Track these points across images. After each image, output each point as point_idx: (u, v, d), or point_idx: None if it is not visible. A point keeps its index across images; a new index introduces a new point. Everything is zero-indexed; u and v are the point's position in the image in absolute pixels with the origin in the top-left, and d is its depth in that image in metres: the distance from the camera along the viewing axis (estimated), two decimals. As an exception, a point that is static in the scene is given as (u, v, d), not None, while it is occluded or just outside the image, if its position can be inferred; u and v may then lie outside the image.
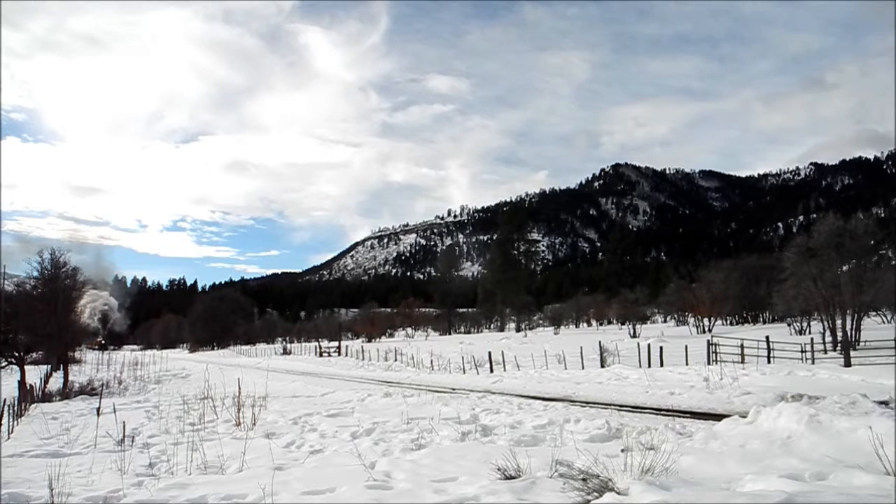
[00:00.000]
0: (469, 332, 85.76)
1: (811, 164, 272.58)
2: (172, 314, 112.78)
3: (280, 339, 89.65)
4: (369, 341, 67.62)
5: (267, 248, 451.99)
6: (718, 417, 9.39)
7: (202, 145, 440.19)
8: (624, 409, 12.43)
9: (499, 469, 5.72)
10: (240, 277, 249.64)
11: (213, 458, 7.84)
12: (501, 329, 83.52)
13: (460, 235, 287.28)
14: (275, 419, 12.14)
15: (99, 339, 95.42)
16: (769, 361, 19.96)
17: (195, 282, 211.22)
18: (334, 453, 8.26)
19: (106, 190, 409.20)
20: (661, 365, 20.15)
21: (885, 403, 9.43)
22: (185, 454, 8.00)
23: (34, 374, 27.54)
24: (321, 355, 46.69)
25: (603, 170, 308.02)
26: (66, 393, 23.19)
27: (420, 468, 6.43)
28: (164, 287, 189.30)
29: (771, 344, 20.78)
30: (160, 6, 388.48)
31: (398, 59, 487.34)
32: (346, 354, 44.66)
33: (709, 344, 21.47)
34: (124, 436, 9.88)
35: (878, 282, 27.12)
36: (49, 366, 33.46)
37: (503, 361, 25.81)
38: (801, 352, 20.54)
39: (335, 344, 52.81)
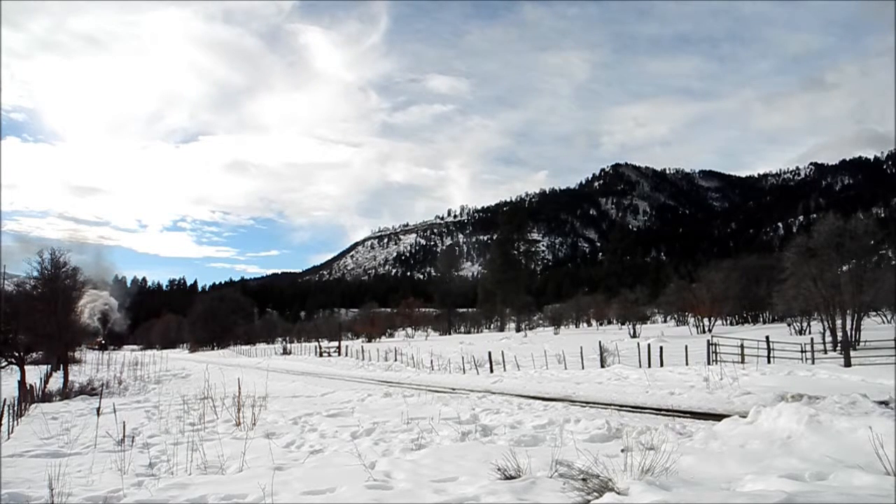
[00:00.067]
0: (469, 332, 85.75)
1: (811, 164, 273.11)
2: (172, 314, 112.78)
3: (280, 339, 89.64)
4: (369, 341, 67.62)
5: (267, 248, 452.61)
6: (718, 417, 9.39)
7: (202, 145, 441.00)
8: (624, 409, 12.42)
9: (499, 469, 5.72)
10: (240, 277, 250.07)
11: (213, 458, 7.84)
12: (501, 329, 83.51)
13: (460, 235, 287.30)
14: (275, 419, 12.13)
15: (99, 339, 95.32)
16: (769, 361, 19.96)
17: (195, 282, 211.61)
18: (334, 453, 8.26)
19: (106, 190, 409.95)
20: (661, 365, 20.15)
21: (885, 403, 9.43)
22: (185, 454, 8.00)
23: (34, 374, 27.53)
24: (321, 355, 46.68)
25: (603, 170, 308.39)
26: (66, 393, 23.19)
27: (420, 468, 6.43)
28: (164, 287, 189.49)
29: (771, 344, 20.78)
30: (160, 6, 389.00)
31: (398, 59, 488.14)
32: (346, 354, 44.66)
33: (709, 344, 21.47)
34: (124, 436, 9.88)
35: (878, 282, 27.12)
36: (49, 366, 33.45)
37: (503, 361, 25.81)
38: (801, 352, 20.54)
39: (335, 344, 52.80)
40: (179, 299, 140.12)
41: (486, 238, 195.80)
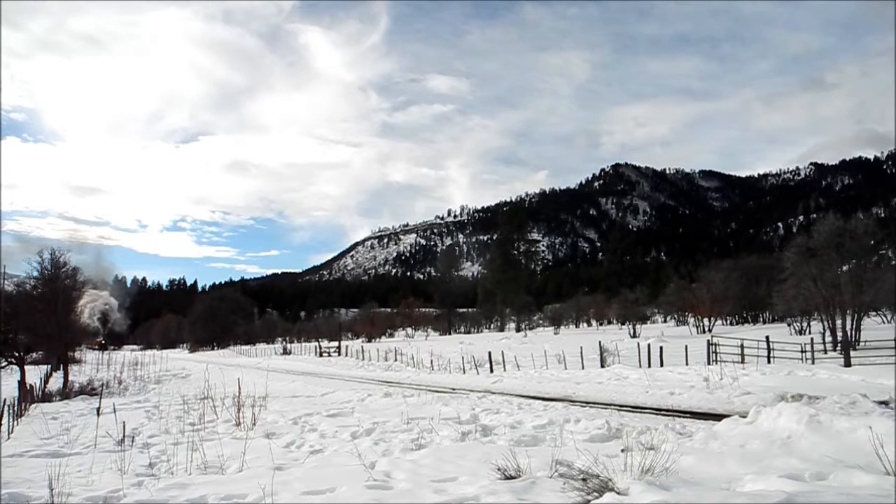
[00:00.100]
0: (469, 332, 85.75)
1: (811, 164, 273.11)
2: (172, 314, 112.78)
3: (280, 339, 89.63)
4: (369, 341, 67.62)
5: (267, 248, 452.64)
6: (718, 417, 9.39)
7: (202, 145, 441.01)
8: (624, 409, 12.42)
9: (499, 469, 5.72)
10: (240, 277, 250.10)
11: (213, 458, 7.84)
12: (501, 329, 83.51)
13: (460, 235, 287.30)
14: (275, 419, 12.13)
15: (99, 339, 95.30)
16: (769, 361, 19.96)
17: (195, 282, 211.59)
18: (334, 453, 8.26)
19: (106, 190, 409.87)
20: (661, 365, 20.15)
21: (885, 403, 9.43)
22: (185, 454, 8.00)
23: (34, 374, 27.53)
24: (321, 355, 46.68)
25: (603, 170, 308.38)
26: (66, 393, 23.19)
27: (420, 468, 6.43)
28: (164, 287, 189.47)
29: (771, 344, 20.78)
30: (160, 6, 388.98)
31: (398, 59, 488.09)
32: (346, 354, 44.66)
33: (709, 344, 21.47)
34: (124, 436, 9.88)
35: (878, 282, 27.12)
36: (49, 366, 33.45)
37: (503, 361, 25.81)
38: (801, 352, 20.54)
39: (335, 344, 52.80)
40: (179, 299, 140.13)
41: (486, 238, 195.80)
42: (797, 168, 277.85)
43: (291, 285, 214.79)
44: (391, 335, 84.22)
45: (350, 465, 6.89)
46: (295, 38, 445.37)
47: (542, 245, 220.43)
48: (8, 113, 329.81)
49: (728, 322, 50.24)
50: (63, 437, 11.20)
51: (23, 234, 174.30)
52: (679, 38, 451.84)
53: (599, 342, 24.97)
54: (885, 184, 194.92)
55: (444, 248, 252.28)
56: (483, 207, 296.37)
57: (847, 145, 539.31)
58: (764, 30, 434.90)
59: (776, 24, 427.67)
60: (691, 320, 49.58)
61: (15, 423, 13.56)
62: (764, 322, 48.16)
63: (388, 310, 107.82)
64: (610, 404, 13.09)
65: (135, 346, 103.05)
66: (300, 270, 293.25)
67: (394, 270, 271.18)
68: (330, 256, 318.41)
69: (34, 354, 31.93)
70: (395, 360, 34.10)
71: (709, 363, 19.69)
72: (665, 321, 64.54)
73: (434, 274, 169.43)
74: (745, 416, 7.81)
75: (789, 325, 35.23)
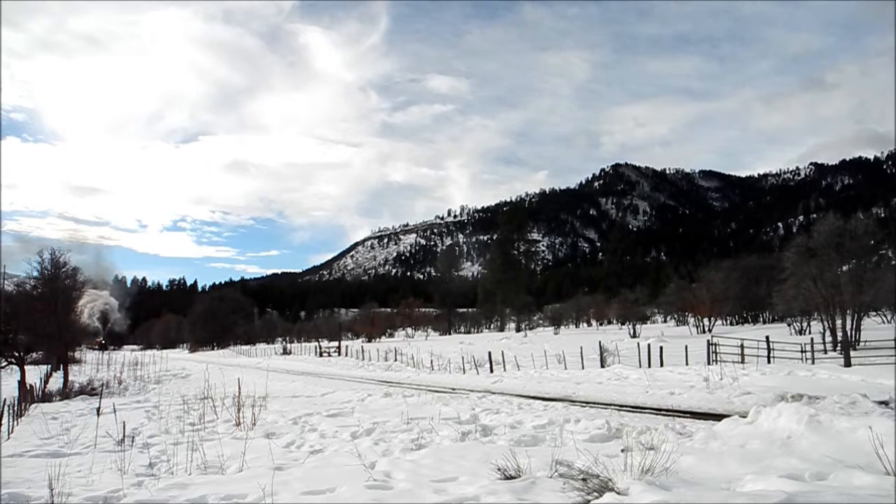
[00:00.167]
0: (469, 332, 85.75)
1: (811, 164, 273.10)
2: (172, 314, 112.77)
3: (280, 339, 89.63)
4: (369, 341, 67.62)
5: (267, 248, 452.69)
6: (718, 417, 9.39)
7: (202, 145, 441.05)
8: (624, 409, 12.42)
9: (499, 469, 5.72)
10: (240, 277, 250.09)
11: (213, 458, 7.84)
12: (501, 329, 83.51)
13: (460, 235, 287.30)
14: (275, 419, 12.13)
15: (99, 339, 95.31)
16: (769, 361, 19.96)
17: (195, 282, 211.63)
18: (334, 453, 8.26)
19: (106, 190, 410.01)
20: (661, 365, 20.15)
21: (885, 403, 9.43)
22: (185, 454, 8.00)
23: (34, 374, 27.53)
24: (321, 355, 46.68)
25: (603, 170, 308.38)
26: (66, 393, 23.19)
27: (420, 468, 6.43)
28: (164, 287, 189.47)
29: (771, 344, 20.78)
30: (160, 6, 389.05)
31: (398, 59, 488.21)
32: (346, 354, 44.66)
33: (709, 344, 21.47)
34: (124, 436, 9.88)
35: (878, 282, 27.11)
36: (49, 366, 33.45)
37: (503, 361, 25.81)
38: (801, 352, 20.54)
39: (335, 344, 52.80)
40: (179, 299, 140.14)
41: (486, 238, 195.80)
42: (797, 168, 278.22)
43: (291, 285, 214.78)
44: (391, 335, 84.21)
45: (350, 465, 6.89)
46: (295, 38, 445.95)
47: (542, 245, 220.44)
48: (8, 113, 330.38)
49: (728, 322, 50.24)
50: (63, 437, 11.20)
51: (23, 234, 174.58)
52: (679, 38, 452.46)
53: (599, 342, 24.97)
54: (885, 184, 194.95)
55: (444, 248, 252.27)
56: (483, 207, 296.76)
57: (847, 145, 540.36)
58: (764, 30, 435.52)
59: (776, 24, 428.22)
60: (691, 320, 49.57)
61: (15, 423, 13.56)
62: (764, 322, 48.15)
63: (388, 310, 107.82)
64: (610, 404, 13.09)
65: (135, 346, 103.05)
66: (300, 270, 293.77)
67: (394, 270, 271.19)
68: (330, 256, 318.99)
69: (34, 354, 31.93)
70: (395, 360, 34.10)
71: (709, 363, 19.69)
72: (665, 321, 64.54)
73: (434, 274, 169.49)
74: (745, 416, 7.81)
75: (789, 325, 35.23)
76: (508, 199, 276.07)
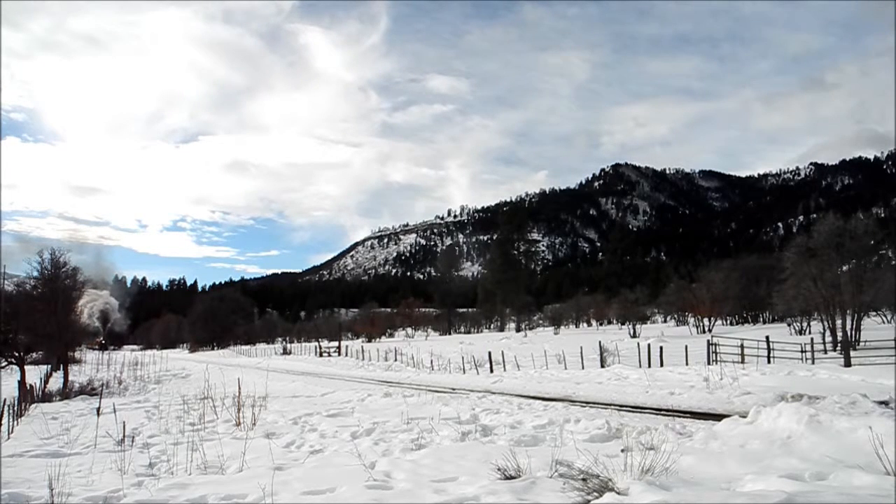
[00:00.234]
0: (469, 332, 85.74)
1: (811, 164, 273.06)
2: (172, 314, 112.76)
3: (280, 339, 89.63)
4: (369, 341, 67.62)
5: (267, 248, 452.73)
6: (718, 417, 9.39)
7: (202, 145, 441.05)
8: (624, 409, 12.42)
9: (499, 469, 5.72)
10: (240, 277, 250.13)
11: (213, 458, 7.84)
12: (501, 329, 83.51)
13: (460, 235, 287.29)
14: (275, 419, 12.13)
15: (99, 339, 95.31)
16: (769, 361, 19.96)
17: (195, 282, 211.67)
18: (334, 453, 8.26)
19: (106, 190, 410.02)
20: (661, 365, 20.15)
21: (885, 403, 9.43)
22: (185, 454, 8.00)
23: (34, 374, 27.53)
24: (321, 355, 46.68)
25: (603, 170, 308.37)
26: (66, 393, 23.19)
27: (420, 468, 6.43)
28: (164, 287, 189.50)
29: (771, 344, 20.78)
30: (160, 6, 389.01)
31: (398, 59, 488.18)
32: (346, 354, 44.66)
33: (709, 344, 21.47)
34: (124, 436, 9.88)
35: (878, 282, 27.11)
36: (49, 366, 33.45)
37: (503, 361, 25.81)
38: (801, 352, 20.54)
39: (335, 344, 52.79)
40: (179, 299, 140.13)
41: (486, 238, 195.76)
42: (797, 168, 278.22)
43: (291, 285, 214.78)
44: (391, 335, 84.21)
45: (350, 465, 6.89)
46: (295, 38, 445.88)
47: (542, 245, 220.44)
48: (8, 113, 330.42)
49: (728, 322, 50.24)
50: (63, 437, 11.20)
51: (23, 234, 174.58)
52: (679, 38, 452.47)
53: (599, 342, 24.97)
54: (885, 184, 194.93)
55: (444, 248, 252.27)
56: (483, 207, 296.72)
57: (847, 145, 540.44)
58: (764, 30, 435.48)
59: (776, 24, 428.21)
60: (691, 320, 49.57)
61: (15, 423, 13.56)
62: (764, 322, 48.15)
63: (388, 310, 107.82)
64: (610, 404, 13.09)
65: (135, 346, 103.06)
66: (300, 270, 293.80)
67: (394, 270, 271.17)
68: (330, 256, 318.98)
69: (34, 354, 31.92)
70: (395, 360, 34.10)
71: (709, 363, 19.68)
72: (665, 321, 64.53)
73: (434, 274, 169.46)
74: (745, 416, 7.81)
75: (789, 325, 35.23)
76: (508, 199, 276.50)
